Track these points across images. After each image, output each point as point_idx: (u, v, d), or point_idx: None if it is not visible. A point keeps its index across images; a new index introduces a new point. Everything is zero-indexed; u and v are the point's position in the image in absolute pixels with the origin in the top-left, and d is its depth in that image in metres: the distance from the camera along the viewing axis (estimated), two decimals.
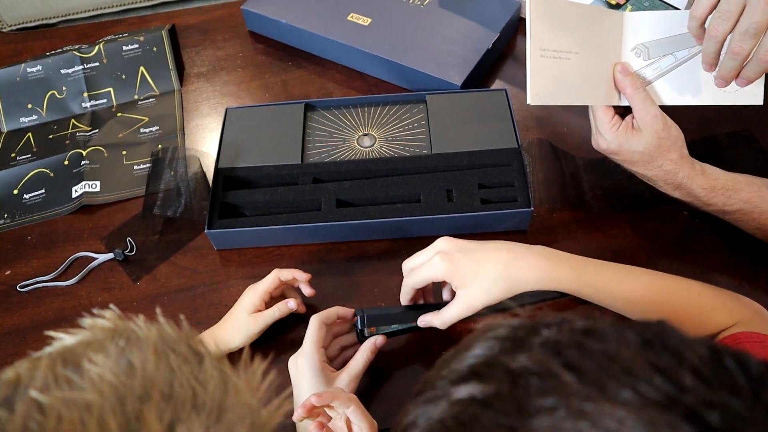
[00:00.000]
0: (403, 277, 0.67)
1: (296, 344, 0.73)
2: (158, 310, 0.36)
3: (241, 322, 0.69)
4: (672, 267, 0.77)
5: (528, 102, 0.66)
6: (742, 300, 0.66)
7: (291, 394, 0.31)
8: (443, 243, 0.63)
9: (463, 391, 0.29)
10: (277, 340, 0.74)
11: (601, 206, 0.83)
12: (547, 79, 0.67)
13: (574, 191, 0.85)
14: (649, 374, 0.26)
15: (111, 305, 0.35)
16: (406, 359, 0.72)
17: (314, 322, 0.66)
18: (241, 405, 0.29)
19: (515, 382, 0.27)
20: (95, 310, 0.33)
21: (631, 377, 0.26)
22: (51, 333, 0.32)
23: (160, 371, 0.29)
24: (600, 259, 0.66)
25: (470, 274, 0.60)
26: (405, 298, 0.68)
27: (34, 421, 0.26)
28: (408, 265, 0.66)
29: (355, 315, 0.69)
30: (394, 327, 0.68)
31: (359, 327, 0.68)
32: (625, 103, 0.71)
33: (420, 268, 0.64)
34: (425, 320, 0.65)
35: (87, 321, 0.32)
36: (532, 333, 0.30)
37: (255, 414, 0.30)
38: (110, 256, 0.83)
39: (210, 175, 0.87)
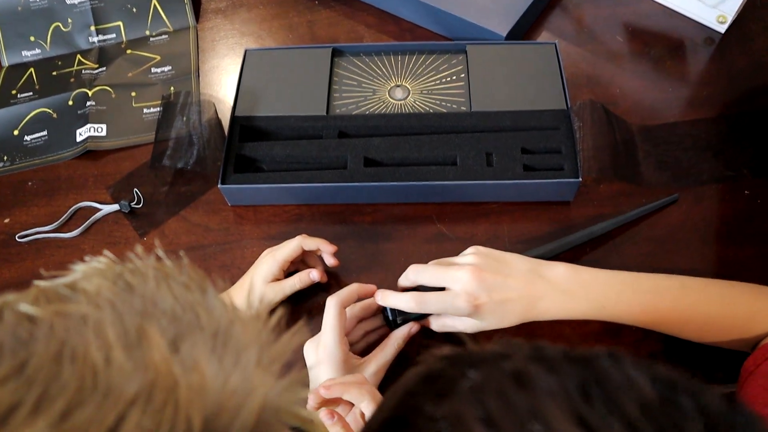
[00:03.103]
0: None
1: (314, 314, 0.68)
2: (157, 242, 0.33)
3: (257, 290, 0.63)
4: (727, 252, 0.70)
5: None
6: None
7: (301, 327, 0.29)
8: (471, 280, 0.57)
9: None
10: (293, 310, 0.68)
11: (653, 180, 0.75)
12: None
13: (626, 161, 0.77)
14: None
15: (105, 251, 0.32)
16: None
17: (332, 306, 0.58)
18: (249, 335, 0.27)
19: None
20: (87, 257, 0.31)
21: None
22: (39, 281, 0.29)
23: (161, 293, 0.28)
24: (623, 269, 0.61)
25: (491, 313, 0.58)
26: (395, 302, 0.60)
27: (23, 328, 0.25)
28: (420, 275, 0.60)
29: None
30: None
31: (391, 317, 0.61)
32: None
33: (440, 300, 0.58)
34: (443, 325, 0.61)
35: (79, 265, 0.30)
36: (461, 375, 0.28)
37: (264, 346, 0.27)
38: (116, 207, 0.76)
39: (226, 124, 0.80)
